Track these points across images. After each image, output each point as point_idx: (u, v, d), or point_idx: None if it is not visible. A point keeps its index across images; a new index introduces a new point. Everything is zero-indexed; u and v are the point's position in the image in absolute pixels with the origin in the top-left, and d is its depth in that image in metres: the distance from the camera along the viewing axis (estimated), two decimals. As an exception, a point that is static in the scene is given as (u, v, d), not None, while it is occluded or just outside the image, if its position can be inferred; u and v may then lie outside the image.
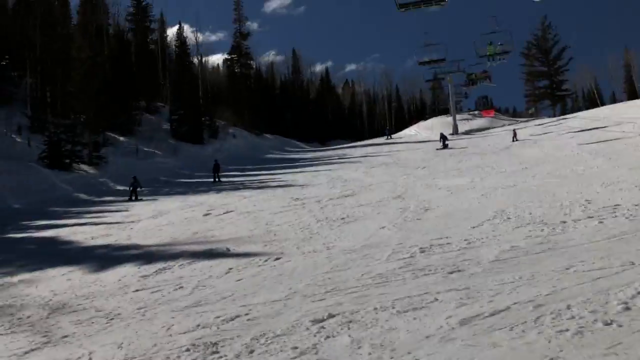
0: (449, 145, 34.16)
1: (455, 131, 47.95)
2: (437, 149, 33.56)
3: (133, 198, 24.55)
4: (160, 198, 24.40)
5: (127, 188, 25.37)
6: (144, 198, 24.56)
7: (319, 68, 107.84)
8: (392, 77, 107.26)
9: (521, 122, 56.44)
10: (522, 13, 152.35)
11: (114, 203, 23.99)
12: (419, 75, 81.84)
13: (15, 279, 10.34)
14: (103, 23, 55.36)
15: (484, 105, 61.19)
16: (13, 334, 6.74)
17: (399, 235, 9.72)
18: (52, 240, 15.19)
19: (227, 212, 16.68)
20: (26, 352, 5.93)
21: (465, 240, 8.62)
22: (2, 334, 6.80)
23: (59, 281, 9.67)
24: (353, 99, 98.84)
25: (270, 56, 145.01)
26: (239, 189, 24.74)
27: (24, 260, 12.33)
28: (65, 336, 6.34)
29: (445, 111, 65.62)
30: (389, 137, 53.95)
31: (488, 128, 51.54)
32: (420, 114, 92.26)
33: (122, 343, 5.73)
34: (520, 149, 27.46)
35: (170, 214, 18.32)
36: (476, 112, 60.75)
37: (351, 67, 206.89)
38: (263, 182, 26.31)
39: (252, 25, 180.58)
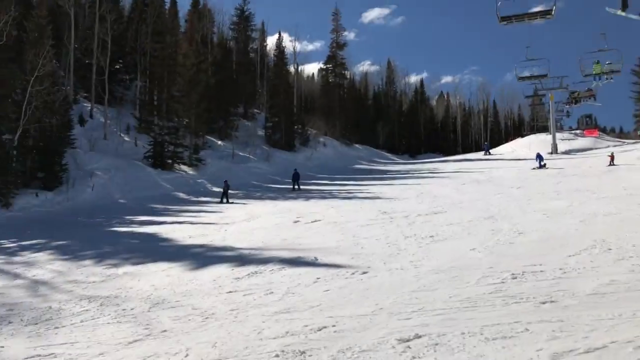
0: (547, 165, 32.76)
1: (555, 150, 45.83)
2: (533, 169, 32.30)
3: (224, 201, 25.67)
4: (253, 202, 25.29)
5: (229, 189, 26.50)
6: (237, 201, 25.54)
7: (413, 79, 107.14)
8: (490, 91, 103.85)
9: (628, 143, 53.05)
10: (634, 28, 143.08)
11: (210, 204, 25.16)
12: (518, 90, 79.42)
13: (121, 271, 11.19)
14: (208, 31, 58.24)
15: (587, 124, 58.03)
16: (118, 324, 7.33)
17: (490, 259, 9.52)
18: (153, 236, 16.22)
19: (315, 221, 17.01)
20: (130, 342, 6.45)
21: (560, 269, 8.30)
22: (109, 323, 7.42)
23: (159, 276, 10.35)
24: (447, 112, 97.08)
25: (365, 66, 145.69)
26: (327, 198, 25.09)
27: (128, 253, 13.28)
28: (165, 330, 6.82)
29: (544, 129, 63.01)
30: (488, 153, 52.39)
31: (590, 149, 48.87)
32: (517, 130, 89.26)
33: (216, 343, 6.09)
34: (625, 173, 25.83)
35: (261, 218, 18.96)
36: (578, 132, 57.75)
37: (447, 79, 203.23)
38: (351, 193, 26.52)
39: (349, 35, 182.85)
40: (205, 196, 28.95)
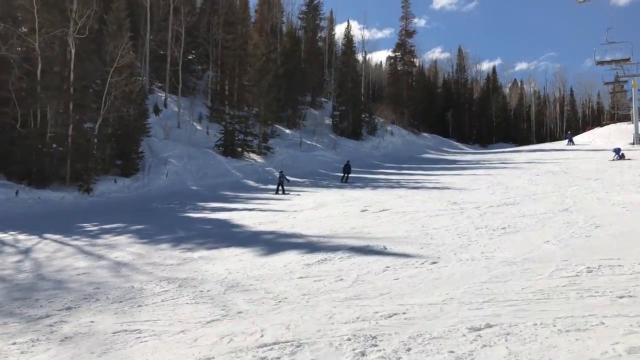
0: (626, 156, 31.14)
1: (637, 141, 43.36)
2: (612, 160, 30.80)
3: (280, 192, 25.21)
4: (320, 190, 25.59)
5: (285, 179, 25.96)
6: (304, 190, 25.87)
7: (485, 66, 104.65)
8: (567, 78, 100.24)
9: None
10: None
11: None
12: (597, 76, 75.95)
13: (196, 255, 11.68)
14: (277, 21, 59.05)
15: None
16: (196, 304, 7.71)
17: (564, 252, 9.26)
18: (225, 223, 16.78)
19: (383, 210, 17.02)
20: (208, 322, 6.78)
21: (640, 264, 8.00)
22: (188, 303, 7.81)
23: (232, 261, 10.74)
24: (521, 100, 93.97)
25: (435, 53, 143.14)
26: (394, 187, 24.99)
27: (202, 238, 13.83)
28: (240, 312, 7.12)
29: (625, 118, 59.62)
30: (571, 143, 50.09)
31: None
32: (596, 119, 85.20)
33: (290, 325, 6.30)
34: None
35: (329, 206, 19.16)
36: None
37: (522, 65, 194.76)
38: (419, 182, 26.28)
39: (419, 22, 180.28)
40: (273, 184, 29.46)
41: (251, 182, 30.77)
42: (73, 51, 25.95)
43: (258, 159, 37.86)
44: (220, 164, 33.72)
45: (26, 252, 13.06)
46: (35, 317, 7.53)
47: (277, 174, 30.11)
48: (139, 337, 6.35)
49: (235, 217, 17.59)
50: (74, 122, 25.86)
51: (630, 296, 6.42)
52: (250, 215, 17.85)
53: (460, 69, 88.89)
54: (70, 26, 25.97)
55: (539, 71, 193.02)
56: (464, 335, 5.50)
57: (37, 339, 6.55)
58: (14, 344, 6.44)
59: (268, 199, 23.04)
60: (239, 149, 36.94)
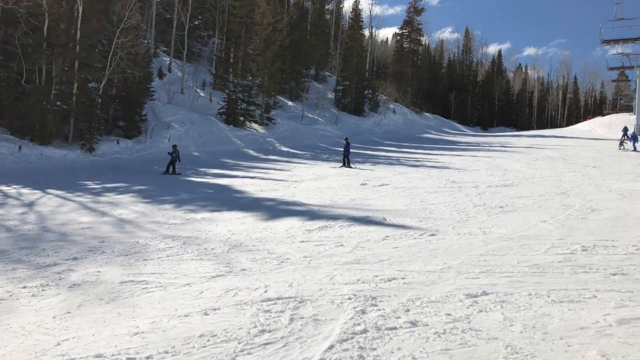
0: (626, 147, 31.36)
1: (638, 132, 43.37)
2: (619, 149, 30.98)
3: (170, 171, 20.73)
4: (320, 164, 25.73)
5: (177, 158, 21.19)
6: (306, 162, 25.98)
7: (492, 49, 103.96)
8: (572, 66, 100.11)
9: None
10: None
11: (279, 162, 25.78)
12: (602, 66, 75.20)
13: (199, 216, 11.87)
14: (285, -10, 58.32)
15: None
16: (201, 261, 7.92)
17: (560, 231, 9.48)
18: (226, 188, 16.97)
19: (382, 185, 17.20)
20: (213, 277, 7.00)
21: (634, 245, 8.21)
22: (192, 259, 8.02)
23: (234, 223, 10.93)
24: (524, 85, 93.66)
25: (445, 33, 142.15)
26: (394, 164, 25.15)
27: (204, 201, 14.02)
28: (244, 269, 7.33)
29: (628, 108, 59.51)
30: (625, 139, 33.58)
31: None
32: (597, 109, 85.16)
33: (292, 283, 6.53)
34: None
35: (329, 179, 19.34)
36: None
37: (530, 50, 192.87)
38: (418, 161, 26.46)
39: (433, 1, 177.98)
40: (274, 155, 29.67)
41: (252, 152, 30.88)
42: (80, 9, 25.75)
43: (259, 129, 37.88)
44: (222, 132, 33.78)
45: (30, 205, 13.23)
46: (44, 265, 7.73)
47: (284, 148, 30.04)
48: (145, 288, 6.57)
49: (236, 184, 17.76)
50: (78, 81, 25.81)
51: (623, 274, 6.66)
52: (252, 183, 18.02)
53: (467, 51, 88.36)
54: (78, -17, 25.74)
55: (547, 57, 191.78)
56: (461, 301, 5.73)
57: (47, 284, 6.76)
58: (24, 287, 6.65)
59: (268, 168, 23.19)
60: (241, 118, 36.94)
